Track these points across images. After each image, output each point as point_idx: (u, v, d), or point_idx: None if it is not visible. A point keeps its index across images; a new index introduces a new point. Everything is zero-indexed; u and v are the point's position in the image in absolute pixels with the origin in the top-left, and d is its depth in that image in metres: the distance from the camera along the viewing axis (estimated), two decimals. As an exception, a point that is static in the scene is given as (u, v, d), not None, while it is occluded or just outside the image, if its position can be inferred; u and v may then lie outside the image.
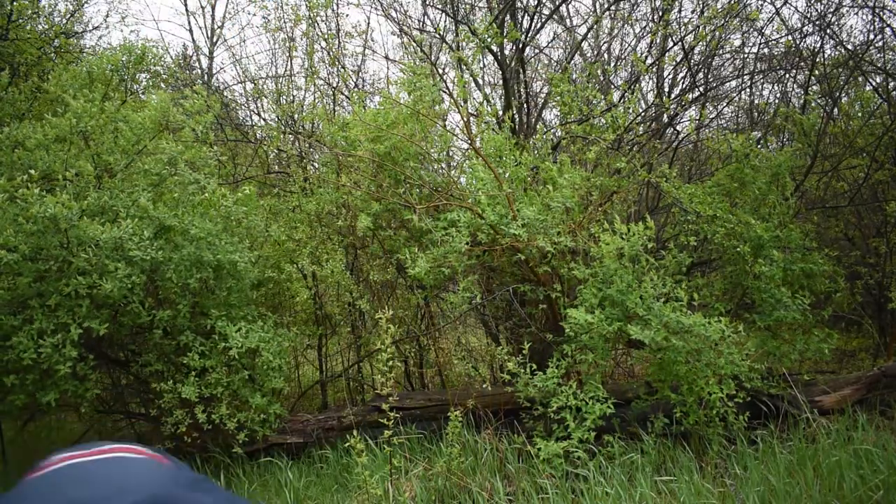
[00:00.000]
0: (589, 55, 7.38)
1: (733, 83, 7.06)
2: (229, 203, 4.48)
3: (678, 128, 6.72)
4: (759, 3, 6.07)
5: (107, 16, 12.30)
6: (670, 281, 4.07)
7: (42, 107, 4.97)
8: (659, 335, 3.72)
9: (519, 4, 5.93)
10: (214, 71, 10.11)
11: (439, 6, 6.42)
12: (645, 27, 6.76)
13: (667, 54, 6.20)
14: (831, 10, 5.95)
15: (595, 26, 6.80)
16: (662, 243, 4.73)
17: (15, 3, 5.94)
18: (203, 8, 10.11)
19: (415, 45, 6.38)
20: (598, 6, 6.93)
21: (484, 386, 4.74)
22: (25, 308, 3.96)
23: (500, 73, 5.91)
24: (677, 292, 3.91)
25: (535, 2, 5.85)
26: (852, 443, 3.71)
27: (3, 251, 3.69)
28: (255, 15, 16.46)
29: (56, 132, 4.27)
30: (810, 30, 6.17)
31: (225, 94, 8.58)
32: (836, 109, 5.90)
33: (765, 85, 7.32)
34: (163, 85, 6.86)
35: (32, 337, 3.79)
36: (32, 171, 3.92)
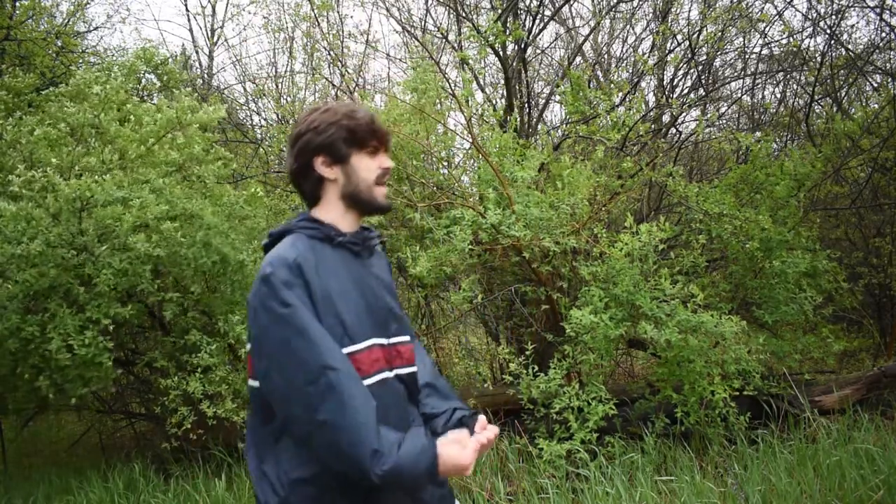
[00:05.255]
0: (590, 56, 7.39)
1: (735, 84, 7.07)
2: (234, 199, 4.50)
3: (680, 128, 6.73)
4: (762, 4, 6.05)
5: (109, 17, 12.28)
6: (682, 279, 4.07)
7: (49, 101, 5.01)
8: (673, 335, 3.73)
9: (521, 5, 5.94)
10: (215, 71, 10.11)
11: (444, 2, 6.41)
12: (646, 27, 6.77)
13: (670, 54, 6.20)
14: (835, 12, 5.95)
15: (596, 27, 6.81)
16: (668, 242, 4.74)
17: (18, 3, 5.94)
18: (203, 8, 10.10)
19: (418, 42, 6.38)
20: (598, 9, 6.93)
21: (485, 386, 4.73)
22: (42, 305, 3.93)
23: (503, 73, 5.91)
24: (692, 290, 3.92)
25: (538, 2, 5.86)
26: (853, 442, 3.72)
27: (25, 242, 3.68)
28: (255, 14, 16.48)
29: (68, 125, 4.28)
30: (813, 31, 6.18)
31: (225, 93, 8.59)
32: (839, 112, 5.91)
33: (766, 86, 7.33)
34: (162, 83, 6.86)
35: (63, 336, 3.77)
36: (54, 160, 3.96)
